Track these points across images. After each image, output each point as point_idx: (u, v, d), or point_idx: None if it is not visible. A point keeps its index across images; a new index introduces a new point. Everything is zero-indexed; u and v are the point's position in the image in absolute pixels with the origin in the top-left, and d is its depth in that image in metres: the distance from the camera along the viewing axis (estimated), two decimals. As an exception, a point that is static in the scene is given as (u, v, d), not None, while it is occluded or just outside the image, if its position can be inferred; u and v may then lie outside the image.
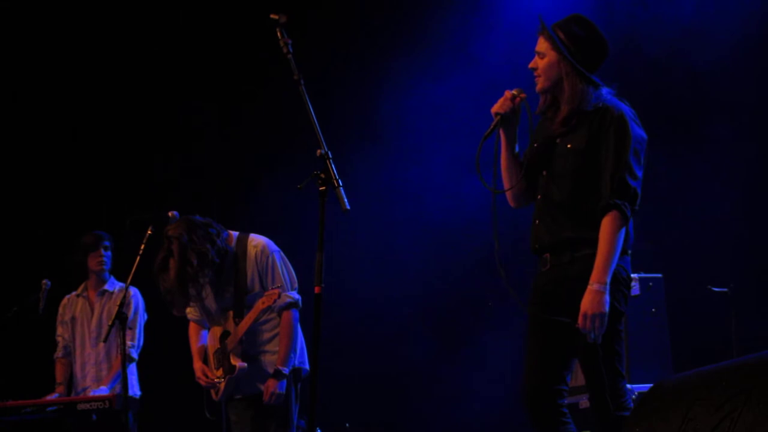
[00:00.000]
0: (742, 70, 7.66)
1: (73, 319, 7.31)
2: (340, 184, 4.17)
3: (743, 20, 7.54)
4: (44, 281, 7.17)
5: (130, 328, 6.98)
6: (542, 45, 4.47)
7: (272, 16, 4.40)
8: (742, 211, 7.59)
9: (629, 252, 4.46)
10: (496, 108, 4.51)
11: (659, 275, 6.78)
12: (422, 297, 8.78)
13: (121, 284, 7.31)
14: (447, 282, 8.76)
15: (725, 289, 7.06)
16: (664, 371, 6.59)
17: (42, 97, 9.12)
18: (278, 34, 4.40)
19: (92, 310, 7.29)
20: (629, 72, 7.54)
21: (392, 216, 8.75)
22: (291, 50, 4.39)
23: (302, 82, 4.34)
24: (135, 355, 7.17)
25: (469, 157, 4.58)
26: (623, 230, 4.29)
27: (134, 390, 7.15)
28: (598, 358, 4.33)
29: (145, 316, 7.25)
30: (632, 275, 4.43)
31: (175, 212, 5.93)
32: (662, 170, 7.40)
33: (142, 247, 5.85)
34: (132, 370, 7.19)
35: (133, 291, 7.17)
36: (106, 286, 7.32)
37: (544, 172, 4.53)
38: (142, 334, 7.21)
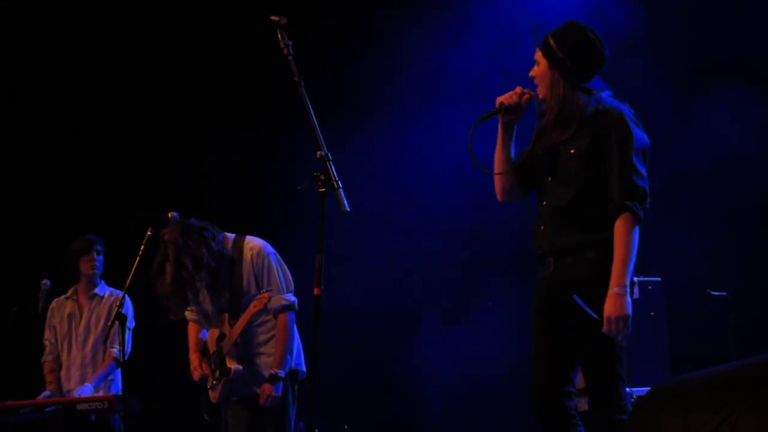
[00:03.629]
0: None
1: (61, 321, 7.31)
2: (340, 185, 4.17)
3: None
4: (44, 281, 7.18)
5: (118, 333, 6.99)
6: (538, 53, 4.54)
7: (272, 17, 4.40)
8: (742, 214, 7.58)
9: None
10: (502, 98, 4.58)
11: (658, 279, 6.78)
12: (421, 295, 8.75)
13: (111, 289, 7.33)
14: (444, 281, 8.74)
15: (724, 293, 7.07)
16: (662, 375, 6.60)
17: (42, 97, 9.12)
18: (279, 35, 4.40)
19: (81, 313, 7.30)
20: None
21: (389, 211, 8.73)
22: (291, 52, 4.39)
23: (302, 84, 4.34)
24: (121, 358, 7.16)
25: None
26: (637, 230, 4.33)
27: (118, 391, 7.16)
28: (599, 361, 4.36)
29: (133, 323, 7.23)
30: (635, 279, 4.44)
31: (174, 213, 5.93)
32: (660, 171, 7.39)
33: (142, 248, 5.85)
34: (117, 373, 7.20)
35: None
36: (97, 290, 7.33)
37: (549, 178, 4.56)
38: (130, 340, 7.19)
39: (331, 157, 4.22)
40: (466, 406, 8.51)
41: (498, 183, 4.73)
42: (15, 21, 8.96)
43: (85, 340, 7.22)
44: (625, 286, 4.26)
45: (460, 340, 8.47)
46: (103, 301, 7.29)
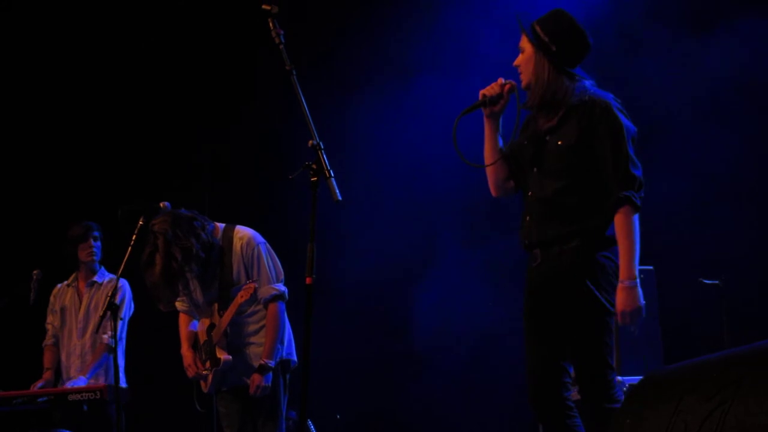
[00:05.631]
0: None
1: (62, 308, 7.30)
2: (332, 174, 4.16)
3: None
4: (35, 271, 7.16)
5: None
6: (523, 41, 4.55)
7: (264, 6, 4.39)
8: (733, 203, 7.60)
9: (617, 248, 4.48)
10: (484, 90, 4.60)
11: (650, 267, 6.79)
12: (410, 284, 8.75)
13: (111, 275, 7.31)
14: (437, 266, 8.74)
15: (716, 281, 7.08)
16: (654, 363, 6.60)
17: (34, 88, 9.10)
18: (270, 24, 4.40)
19: (80, 300, 7.28)
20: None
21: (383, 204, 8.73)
22: (283, 41, 4.39)
23: (294, 72, 4.34)
24: (114, 345, 7.16)
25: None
26: (637, 220, 4.34)
27: (120, 381, 7.15)
28: (589, 351, 4.36)
29: (132, 309, 7.23)
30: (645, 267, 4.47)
31: (166, 203, 5.92)
32: (652, 160, 7.40)
33: (134, 237, 5.84)
34: (109, 361, 7.19)
35: (122, 282, 7.16)
36: (96, 277, 7.31)
37: (535, 169, 4.56)
38: (126, 325, 7.18)
39: (323, 146, 4.21)
40: (460, 397, 8.52)
41: (490, 176, 4.74)
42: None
43: (85, 328, 7.21)
44: (635, 278, 4.27)
45: (454, 329, 8.49)
46: (102, 288, 7.28)
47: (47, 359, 7.29)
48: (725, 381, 3.11)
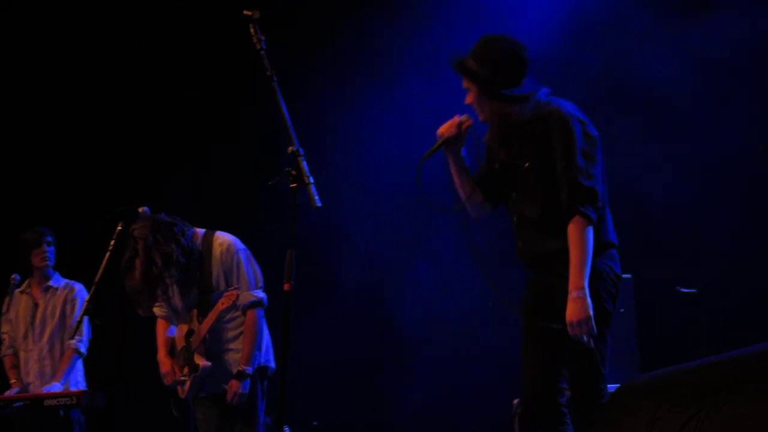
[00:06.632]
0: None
1: (17, 315, 7.27)
2: (312, 181, 4.16)
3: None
4: (13, 276, 7.14)
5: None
6: (465, 80, 4.53)
7: (246, 12, 4.39)
8: (711, 212, 7.62)
9: (614, 250, 4.50)
10: (441, 130, 4.59)
11: (628, 275, 6.80)
12: (395, 286, 8.74)
13: (66, 280, 7.30)
14: (423, 269, 8.72)
15: (693, 290, 7.11)
16: (632, 371, 6.62)
17: (11, 92, 9.06)
18: (251, 30, 4.39)
19: (36, 306, 7.26)
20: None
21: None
22: (264, 47, 4.38)
23: (275, 78, 4.33)
24: (83, 350, 7.14)
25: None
26: (590, 232, 4.30)
27: (80, 385, 7.14)
28: (583, 361, 4.36)
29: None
30: (623, 275, 4.47)
31: (145, 208, 5.90)
32: (629, 168, 7.42)
33: (112, 242, 5.82)
34: (78, 365, 7.18)
35: (78, 287, 7.22)
36: (51, 282, 7.31)
37: (513, 194, 4.57)
38: (88, 329, 7.16)
39: (302, 153, 4.22)
40: (436, 405, 8.51)
41: (467, 204, 4.72)
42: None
43: (42, 333, 7.21)
44: (583, 288, 4.24)
45: (431, 337, 8.48)
46: (58, 292, 7.27)
47: (10, 372, 7.26)
48: (702, 390, 3.12)
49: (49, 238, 7.27)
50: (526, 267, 4.58)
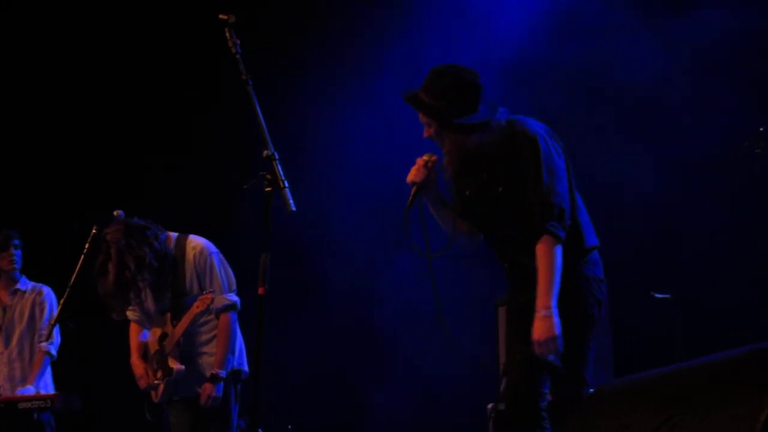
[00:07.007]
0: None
1: None
2: (286, 185, 4.16)
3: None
4: None
5: (45, 328, 6.99)
6: (421, 115, 4.48)
7: (221, 16, 4.38)
8: (687, 217, 7.64)
9: (596, 253, 4.49)
10: (411, 177, 4.52)
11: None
12: (374, 287, 8.72)
13: (34, 283, 7.29)
14: (402, 270, 8.70)
15: (668, 295, 7.13)
16: (605, 377, 6.63)
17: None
18: (227, 34, 4.39)
19: (4, 309, 7.24)
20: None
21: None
22: (239, 51, 4.38)
23: (251, 82, 4.33)
24: (54, 353, 7.13)
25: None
26: (558, 250, 4.27)
27: (49, 389, 7.12)
28: (567, 363, 4.34)
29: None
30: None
31: (120, 211, 5.88)
32: (602, 173, 7.43)
33: (87, 246, 5.81)
34: (48, 369, 7.16)
35: (46, 290, 7.22)
36: (18, 285, 7.29)
37: (491, 219, 4.53)
38: (58, 332, 7.14)
39: (277, 156, 4.21)
40: (412, 412, 8.50)
41: (459, 239, 4.68)
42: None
43: (10, 336, 7.19)
44: (551, 308, 4.20)
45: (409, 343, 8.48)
46: (26, 296, 7.26)
47: None
48: (674, 396, 3.14)
49: (16, 242, 7.25)
50: (513, 286, 4.56)
